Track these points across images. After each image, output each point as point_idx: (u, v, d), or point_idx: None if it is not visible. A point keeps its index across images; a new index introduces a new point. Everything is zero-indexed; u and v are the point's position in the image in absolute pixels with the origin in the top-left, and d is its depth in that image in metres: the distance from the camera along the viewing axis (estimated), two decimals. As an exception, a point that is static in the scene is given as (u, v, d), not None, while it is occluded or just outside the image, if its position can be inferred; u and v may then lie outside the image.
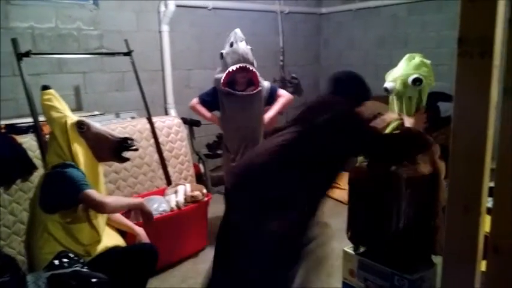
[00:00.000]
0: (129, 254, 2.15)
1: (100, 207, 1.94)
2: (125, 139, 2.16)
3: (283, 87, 5.33)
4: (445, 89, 4.46)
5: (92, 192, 1.92)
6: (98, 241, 2.07)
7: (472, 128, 0.89)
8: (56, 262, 1.45)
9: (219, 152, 4.20)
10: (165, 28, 4.04)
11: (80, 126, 2.08)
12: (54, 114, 2.10)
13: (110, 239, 2.18)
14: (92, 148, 2.11)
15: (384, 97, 5.30)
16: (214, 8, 4.48)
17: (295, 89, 5.50)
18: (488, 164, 0.88)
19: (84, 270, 1.39)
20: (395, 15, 4.93)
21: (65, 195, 1.93)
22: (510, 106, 0.93)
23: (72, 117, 2.12)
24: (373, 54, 5.20)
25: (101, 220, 2.12)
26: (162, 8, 3.99)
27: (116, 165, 3.01)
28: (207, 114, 3.08)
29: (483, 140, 0.87)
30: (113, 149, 2.15)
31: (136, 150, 2.33)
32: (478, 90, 0.86)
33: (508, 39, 0.86)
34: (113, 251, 2.10)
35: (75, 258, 1.50)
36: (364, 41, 5.29)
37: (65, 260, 1.45)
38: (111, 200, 2.06)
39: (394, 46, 4.95)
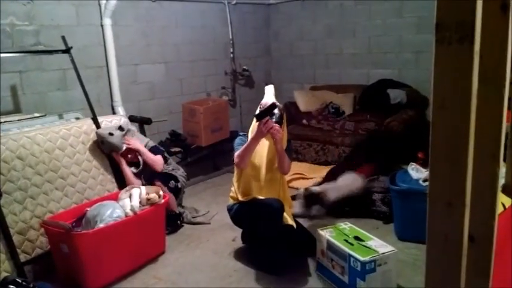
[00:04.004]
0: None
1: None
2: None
3: (235, 80, 5.24)
4: (393, 76, 4.58)
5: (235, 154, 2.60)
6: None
7: (453, 119, 0.84)
8: (2, 290, 1.28)
9: (172, 149, 4.06)
10: (107, 22, 3.80)
11: None
12: None
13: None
14: None
15: (335, 86, 5.33)
16: (159, 0, 4.29)
17: (246, 81, 5.42)
18: (471, 156, 0.84)
19: (34, 297, 1.23)
20: (342, 5, 4.97)
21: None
22: (486, 96, 0.90)
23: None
24: (323, 43, 5.22)
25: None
26: (103, 0, 3.75)
27: (62, 170, 2.80)
28: None
29: (465, 132, 0.83)
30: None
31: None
32: (458, 79, 0.82)
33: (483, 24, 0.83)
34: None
35: (24, 283, 1.34)
36: (313, 31, 5.30)
37: (12, 286, 1.28)
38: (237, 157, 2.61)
39: (343, 35, 4.99)
